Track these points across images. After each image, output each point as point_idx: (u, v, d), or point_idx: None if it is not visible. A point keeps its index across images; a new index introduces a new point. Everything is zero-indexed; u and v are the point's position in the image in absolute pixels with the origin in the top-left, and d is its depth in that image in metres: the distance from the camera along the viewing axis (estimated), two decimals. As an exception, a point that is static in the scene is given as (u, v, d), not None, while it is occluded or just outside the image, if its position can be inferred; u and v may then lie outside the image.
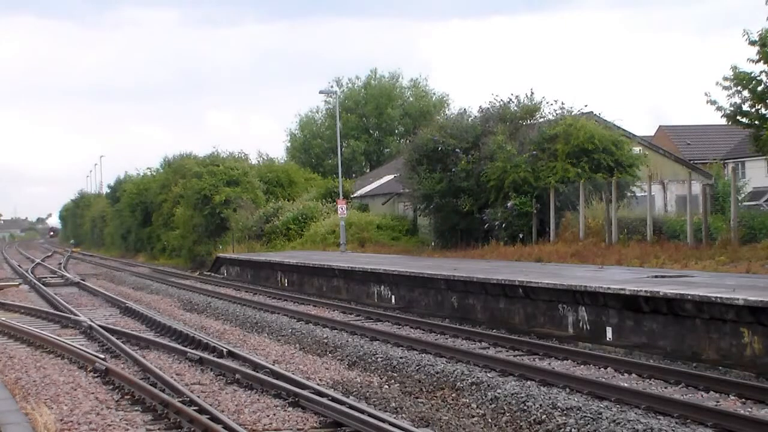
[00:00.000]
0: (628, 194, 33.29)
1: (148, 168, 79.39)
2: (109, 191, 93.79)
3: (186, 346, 19.44)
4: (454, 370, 15.61)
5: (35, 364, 17.75)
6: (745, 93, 25.30)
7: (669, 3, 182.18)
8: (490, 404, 13.54)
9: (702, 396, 13.39)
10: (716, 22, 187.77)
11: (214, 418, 12.01)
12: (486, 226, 34.42)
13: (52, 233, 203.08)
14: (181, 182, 60.45)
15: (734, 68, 25.34)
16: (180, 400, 13.14)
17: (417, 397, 14.54)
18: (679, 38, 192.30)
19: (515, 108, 36.98)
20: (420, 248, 39.86)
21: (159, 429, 12.36)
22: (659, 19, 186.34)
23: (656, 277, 20.06)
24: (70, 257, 78.61)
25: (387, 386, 15.40)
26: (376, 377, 16.27)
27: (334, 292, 31.98)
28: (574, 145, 32.80)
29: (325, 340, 20.29)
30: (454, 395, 14.42)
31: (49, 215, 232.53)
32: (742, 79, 25.15)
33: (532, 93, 37.11)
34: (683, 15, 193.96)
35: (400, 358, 17.25)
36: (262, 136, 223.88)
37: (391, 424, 11.49)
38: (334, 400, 13.13)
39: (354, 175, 74.41)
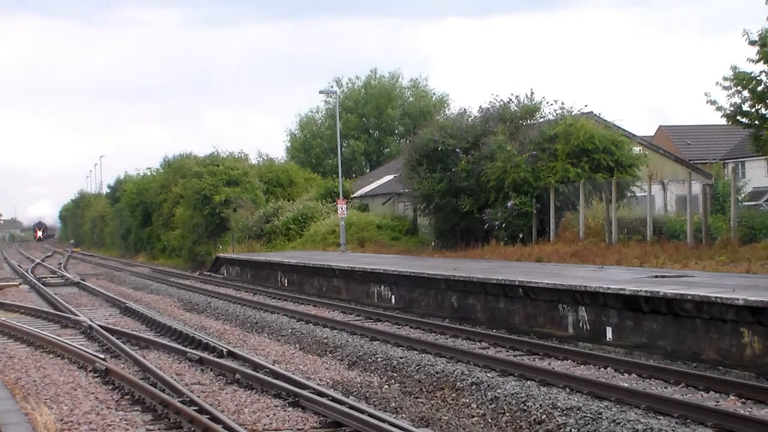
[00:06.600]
0: (628, 194, 33.29)
1: (148, 168, 79.48)
2: (109, 191, 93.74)
3: (186, 346, 19.44)
4: (454, 370, 15.61)
5: (35, 364, 17.75)
6: (745, 93, 25.30)
7: (669, 3, 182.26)
8: (490, 404, 13.54)
9: (702, 396, 13.38)
10: (717, 21, 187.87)
11: (214, 418, 12.00)
12: (486, 226, 34.42)
13: (41, 233, 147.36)
14: (181, 182, 60.47)
15: (734, 68, 25.34)
16: (180, 400, 13.14)
17: (417, 397, 14.54)
18: (679, 38, 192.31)
19: (515, 108, 36.98)
20: (420, 248, 39.88)
21: (159, 429, 12.36)
22: (659, 19, 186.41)
23: (656, 277, 20.06)
24: (70, 257, 78.61)
25: (387, 386, 15.39)
26: (376, 377, 16.27)
27: (334, 292, 31.97)
28: (574, 145, 32.80)
29: (325, 340, 20.28)
30: (454, 395, 14.42)
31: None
32: (742, 79, 25.15)
33: (532, 93, 37.17)
34: (683, 15, 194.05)
35: (400, 358, 17.25)
36: (262, 136, 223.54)
37: (391, 424, 11.49)
38: (334, 400, 13.12)
39: (354, 175, 74.37)
